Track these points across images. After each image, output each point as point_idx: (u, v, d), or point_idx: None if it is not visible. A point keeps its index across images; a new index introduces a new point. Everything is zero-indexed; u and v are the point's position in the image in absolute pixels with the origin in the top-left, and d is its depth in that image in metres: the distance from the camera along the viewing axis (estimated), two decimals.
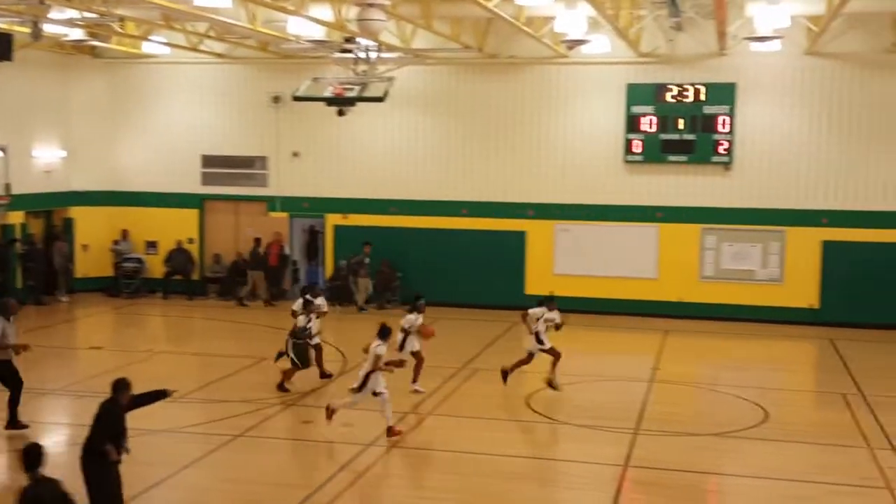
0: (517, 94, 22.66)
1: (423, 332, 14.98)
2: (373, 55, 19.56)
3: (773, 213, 21.54)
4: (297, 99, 20.24)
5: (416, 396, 14.84)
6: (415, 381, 15.08)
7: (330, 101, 19.43)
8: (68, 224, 24.41)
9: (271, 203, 24.26)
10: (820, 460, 12.46)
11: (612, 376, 16.87)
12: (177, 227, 24.44)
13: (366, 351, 12.94)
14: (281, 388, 15.05)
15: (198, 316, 22.76)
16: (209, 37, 21.11)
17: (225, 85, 24.18)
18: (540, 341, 14.91)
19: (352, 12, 16.33)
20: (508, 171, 22.83)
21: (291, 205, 24.18)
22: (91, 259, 24.56)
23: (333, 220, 23.93)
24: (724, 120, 21.39)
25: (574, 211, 22.53)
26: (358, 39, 18.67)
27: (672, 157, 21.77)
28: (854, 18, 19.43)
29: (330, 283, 23.76)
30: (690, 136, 21.61)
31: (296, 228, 24.49)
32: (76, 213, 24.42)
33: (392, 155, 23.40)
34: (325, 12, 17.08)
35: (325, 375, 15.87)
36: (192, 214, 24.63)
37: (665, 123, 21.68)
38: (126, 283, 24.28)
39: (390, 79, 19.80)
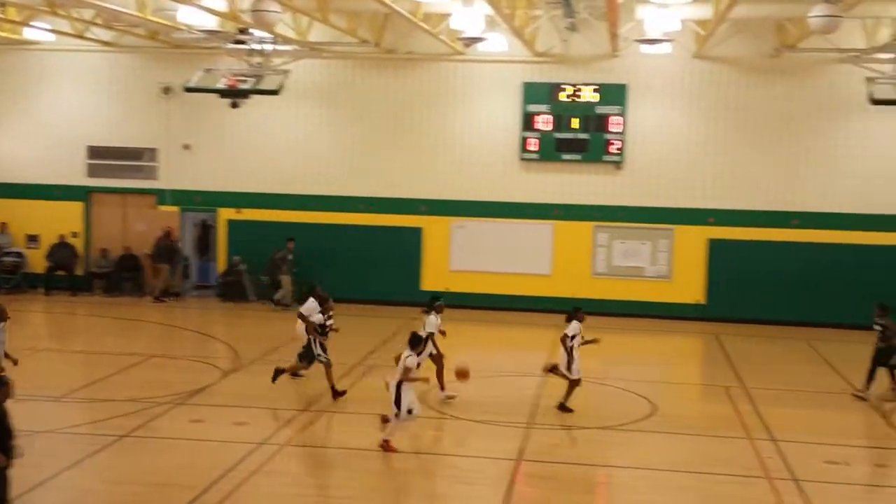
0: (415, 91, 22.66)
1: (459, 375, 13.38)
2: (268, 47, 19.27)
3: (662, 211, 22.15)
4: (188, 90, 19.82)
5: (314, 392, 14.65)
6: (442, 388, 14.54)
7: (223, 93, 19.08)
8: None
9: (161, 196, 23.63)
10: (704, 451, 12.88)
11: (506, 371, 17.04)
12: (60, 220, 23.57)
13: (397, 360, 12.32)
14: (337, 394, 14.41)
15: (82, 312, 21.99)
16: (96, 24, 20.39)
17: (113, 74, 23.41)
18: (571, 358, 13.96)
19: (246, 2, 16.05)
20: (406, 167, 22.81)
21: (182, 198, 23.59)
22: None
23: (226, 214, 23.48)
24: (616, 120, 21.89)
25: (471, 208, 22.67)
26: (252, 31, 18.33)
27: (566, 156, 22.14)
28: (739, 24, 20.16)
29: (222, 278, 23.31)
30: (584, 136, 22.02)
31: (187, 223, 23.91)
32: None
33: (288, 149, 23.08)
34: (219, 2, 16.68)
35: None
36: (76, 207, 23.77)
37: (560, 122, 22.03)
38: (5, 278, 23.27)
39: (286, 72, 19.55)
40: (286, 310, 21.08)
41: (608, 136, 21.98)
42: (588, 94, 21.93)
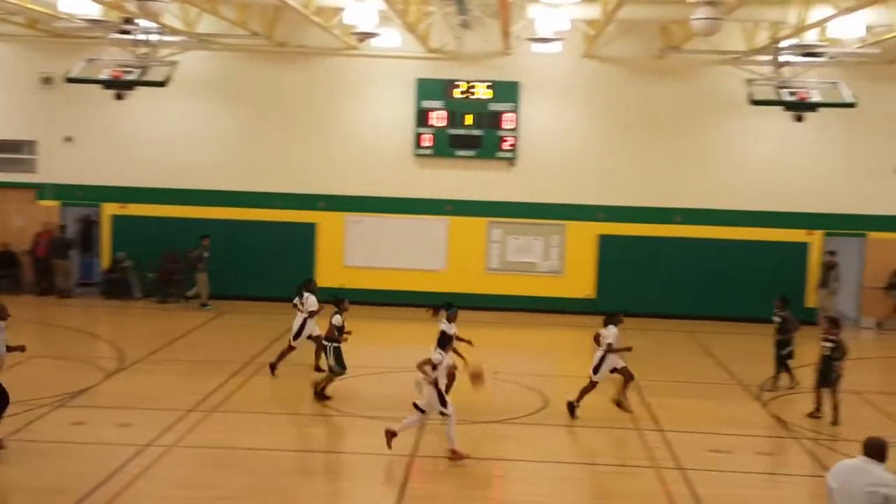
0: (308, 85, 22.39)
1: (473, 378, 12.87)
2: (154, 38, 18.71)
3: (554, 207, 22.51)
4: (70, 80, 19.08)
5: (202, 392, 14.31)
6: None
7: (107, 84, 18.44)
8: None
9: (41, 190, 22.69)
10: (594, 443, 13.20)
11: (400, 368, 16.99)
12: None
13: (421, 367, 12.03)
14: (321, 395, 14.28)
15: None
16: None
17: None
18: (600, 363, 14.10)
19: None
20: (300, 161, 22.53)
21: (63, 192, 22.71)
22: None
23: (110, 209, 22.72)
24: (509, 117, 22.12)
25: (365, 203, 22.56)
26: (137, 21, 17.75)
27: (460, 152, 22.26)
28: (627, 25, 20.63)
29: (106, 275, 22.57)
30: (478, 132, 22.18)
31: (68, 218, 23.02)
32: None
33: (177, 142, 22.49)
34: None
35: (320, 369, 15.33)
36: None
37: (454, 119, 22.14)
38: None
39: (173, 63, 19.01)
40: (206, 308, 20.80)
41: (501, 133, 22.20)
42: (482, 91, 22.10)
